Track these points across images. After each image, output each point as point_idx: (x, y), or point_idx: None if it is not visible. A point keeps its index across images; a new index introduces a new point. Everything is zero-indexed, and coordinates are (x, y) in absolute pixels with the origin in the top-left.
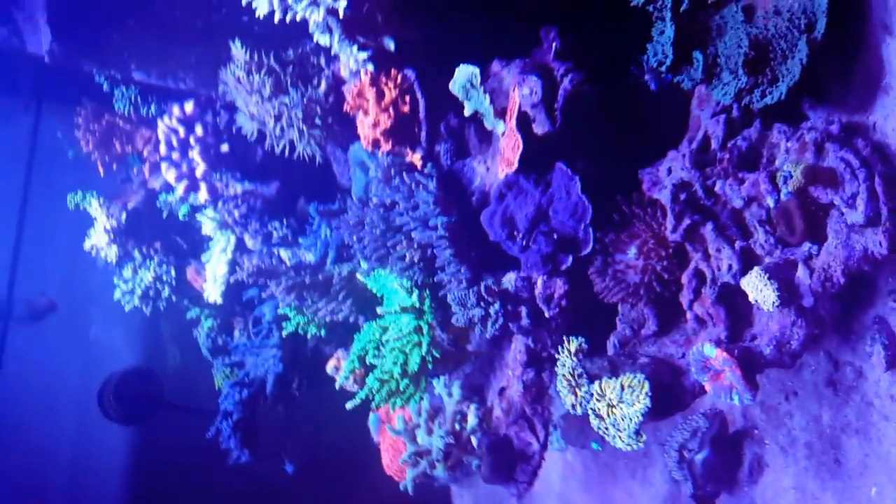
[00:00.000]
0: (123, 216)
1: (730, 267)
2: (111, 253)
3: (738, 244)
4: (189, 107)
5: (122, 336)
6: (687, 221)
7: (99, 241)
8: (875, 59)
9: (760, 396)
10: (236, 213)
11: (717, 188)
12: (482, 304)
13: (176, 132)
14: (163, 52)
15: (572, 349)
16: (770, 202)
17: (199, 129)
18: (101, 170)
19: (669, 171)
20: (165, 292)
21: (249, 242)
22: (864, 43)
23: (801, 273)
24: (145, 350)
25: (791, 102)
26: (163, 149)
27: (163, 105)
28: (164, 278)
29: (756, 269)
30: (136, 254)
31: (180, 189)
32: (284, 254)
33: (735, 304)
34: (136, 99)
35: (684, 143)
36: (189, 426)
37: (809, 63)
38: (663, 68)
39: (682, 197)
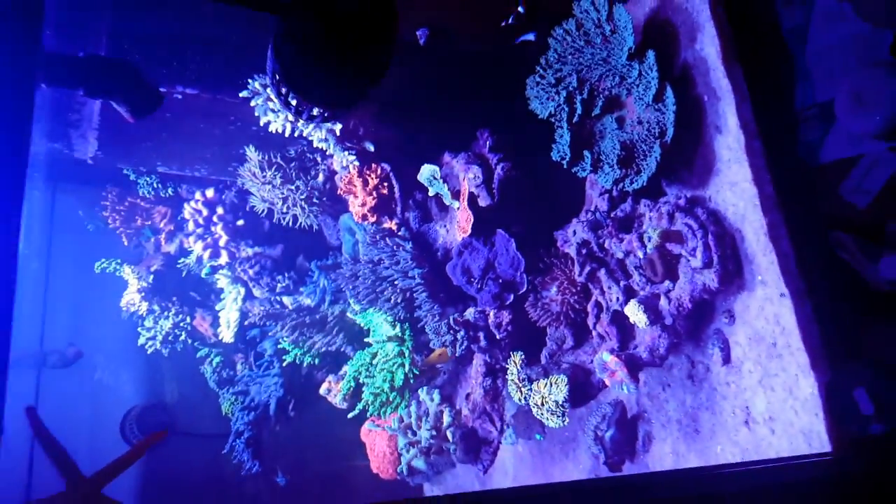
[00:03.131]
0: (151, 278)
1: (618, 299)
2: (142, 307)
3: (622, 283)
4: (210, 192)
5: (125, 377)
6: (588, 268)
7: (133, 298)
8: (710, 150)
9: (647, 389)
10: (251, 271)
11: (606, 245)
12: (451, 331)
13: (200, 212)
14: (185, 152)
15: (517, 361)
16: (640, 254)
17: (220, 210)
18: (125, 241)
19: (574, 232)
20: (182, 336)
21: (256, 292)
22: (702, 138)
23: (663, 302)
24: (146, 387)
25: (653, 183)
26: (190, 226)
27: (178, 188)
28: (182, 325)
29: (633, 300)
30: (156, 307)
31: (206, 255)
32: (287, 300)
33: (623, 325)
34: (157, 184)
35: (583, 213)
36: (195, 449)
37: (663, 158)
38: (564, 163)
39: (584, 251)
